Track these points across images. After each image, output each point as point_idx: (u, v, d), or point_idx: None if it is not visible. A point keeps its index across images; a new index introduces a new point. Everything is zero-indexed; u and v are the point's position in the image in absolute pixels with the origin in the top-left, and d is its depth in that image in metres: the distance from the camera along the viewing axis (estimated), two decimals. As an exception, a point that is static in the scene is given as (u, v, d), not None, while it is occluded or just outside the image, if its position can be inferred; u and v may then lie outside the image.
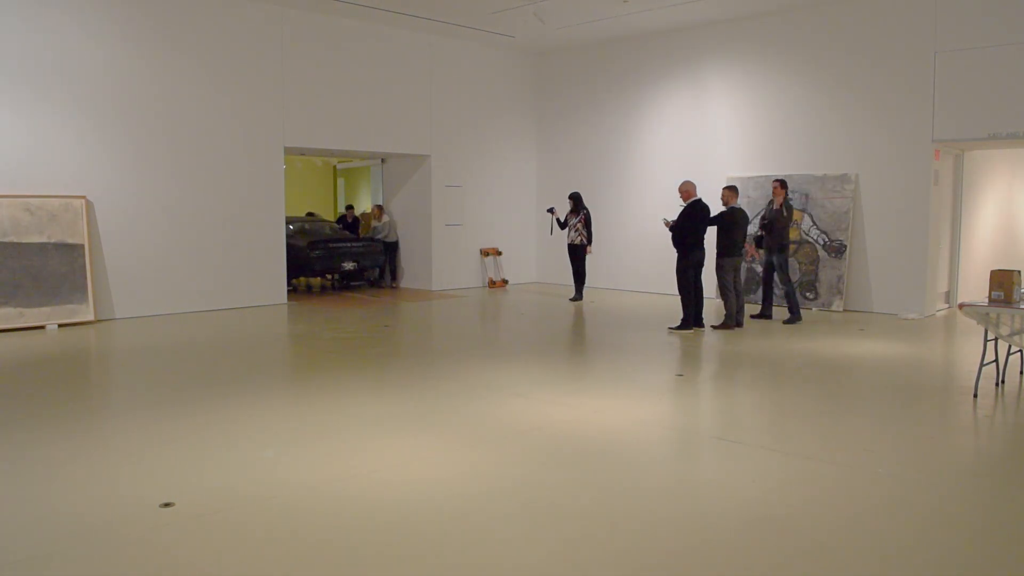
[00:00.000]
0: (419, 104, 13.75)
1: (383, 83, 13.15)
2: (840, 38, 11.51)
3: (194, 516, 3.96)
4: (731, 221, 9.83)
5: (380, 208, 14.65)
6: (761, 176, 12.40)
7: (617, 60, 14.23)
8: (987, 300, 6.46)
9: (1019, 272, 6.43)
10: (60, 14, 9.83)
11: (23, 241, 9.58)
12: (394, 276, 14.70)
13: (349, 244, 13.78)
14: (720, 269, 9.84)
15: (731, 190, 10.05)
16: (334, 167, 20.08)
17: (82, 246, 10.00)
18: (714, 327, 9.77)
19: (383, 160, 15.00)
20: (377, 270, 14.52)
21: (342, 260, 13.50)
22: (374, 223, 14.60)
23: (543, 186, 15.51)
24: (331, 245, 13.49)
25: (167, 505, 4.07)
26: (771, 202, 10.42)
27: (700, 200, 9.68)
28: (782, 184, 10.32)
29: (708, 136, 13.10)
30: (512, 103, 15.27)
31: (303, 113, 12.18)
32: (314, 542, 3.68)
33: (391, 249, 14.49)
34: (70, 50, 9.93)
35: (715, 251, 9.92)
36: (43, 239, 9.71)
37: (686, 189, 9.75)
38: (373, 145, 13.32)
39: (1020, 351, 6.99)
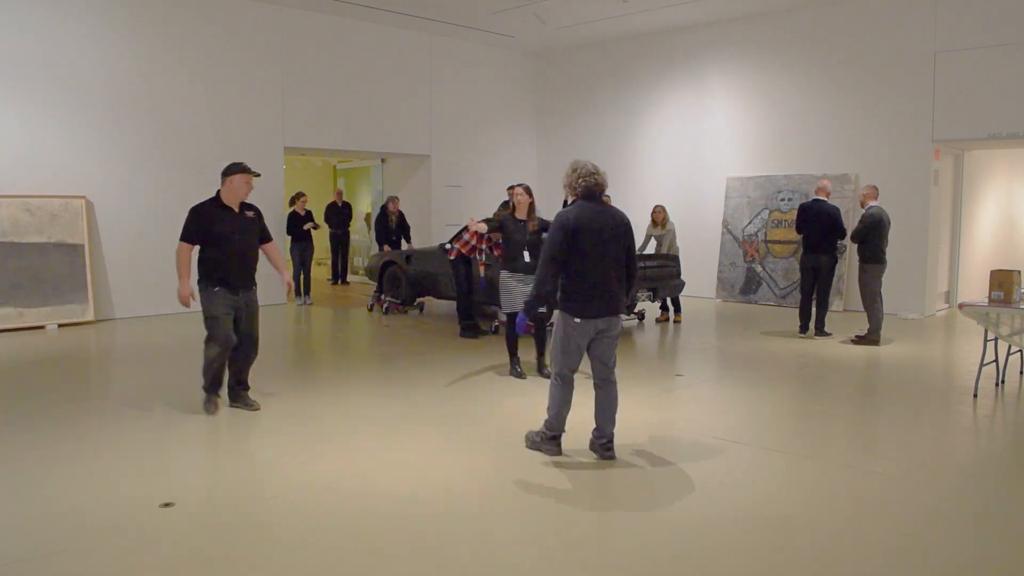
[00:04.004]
0: (419, 104, 13.75)
1: (383, 83, 13.15)
2: (840, 38, 11.51)
3: (194, 516, 3.96)
4: (873, 222, 8.69)
5: (663, 210, 10.60)
6: (761, 176, 12.40)
7: (617, 60, 14.23)
8: (987, 300, 6.45)
9: (1019, 272, 6.42)
10: (60, 15, 9.83)
11: (23, 241, 9.58)
12: (677, 306, 10.47)
13: (643, 265, 9.57)
14: (869, 276, 8.77)
15: (872, 188, 8.99)
16: (334, 167, 20.06)
17: (82, 246, 9.99)
18: (856, 339, 8.82)
19: (383, 160, 15.00)
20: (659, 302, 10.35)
21: (639, 290, 9.48)
22: (653, 230, 10.65)
23: (543, 186, 15.48)
24: None
25: (167, 505, 4.07)
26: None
27: (816, 200, 9.17)
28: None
29: (708, 136, 13.09)
30: (512, 103, 15.27)
31: (303, 113, 12.18)
32: (315, 542, 3.68)
33: None
34: (70, 50, 9.92)
35: (859, 257, 9.03)
36: (43, 239, 9.71)
37: (820, 186, 9.28)
38: (373, 145, 13.32)
39: (1020, 351, 6.99)
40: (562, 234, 4.55)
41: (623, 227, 4.74)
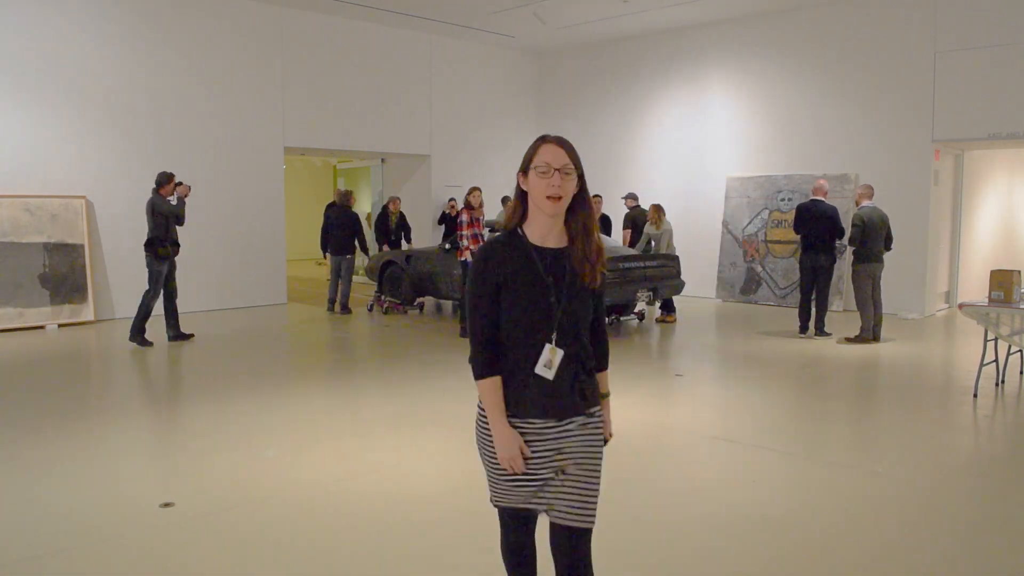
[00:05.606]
0: (419, 104, 13.75)
1: (383, 83, 13.15)
2: (840, 38, 11.51)
3: (194, 516, 3.96)
4: (860, 223, 8.73)
5: (654, 209, 10.58)
6: (761, 176, 12.40)
7: (617, 60, 14.23)
8: (987, 300, 6.46)
9: (1019, 272, 6.43)
10: (60, 15, 9.83)
11: (23, 241, 9.58)
12: (671, 308, 10.54)
13: (643, 265, 9.59)
14: (856, 275, 8.85)
15: (866, 188, 9.05)
16: (334, 167, 20.08)
17: (82, 246, 9.99)
18: (848, 339, 8.89)
19: (383, 160, 15.00)
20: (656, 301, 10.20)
21: (638, 288, 9.33)
22: (651, 229, 10.61)
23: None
24: (623, 267, 9.24)
25: (167, 505, 4.07)
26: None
27: (814, 200, 9.24)
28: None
29: (708, 136, 13.09)
30: (512, 103, 15.27)
31: (303, 113, 12.18)
32: (315, 542, 3.68)
33: None
34: (70, 51, 9.92)
35: (851, 256, 9.05)
36: (43, 239, 9.71)
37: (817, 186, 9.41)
38: (373, 145, 13.31)
39: (1020, 351, 6.99)
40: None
41: None
